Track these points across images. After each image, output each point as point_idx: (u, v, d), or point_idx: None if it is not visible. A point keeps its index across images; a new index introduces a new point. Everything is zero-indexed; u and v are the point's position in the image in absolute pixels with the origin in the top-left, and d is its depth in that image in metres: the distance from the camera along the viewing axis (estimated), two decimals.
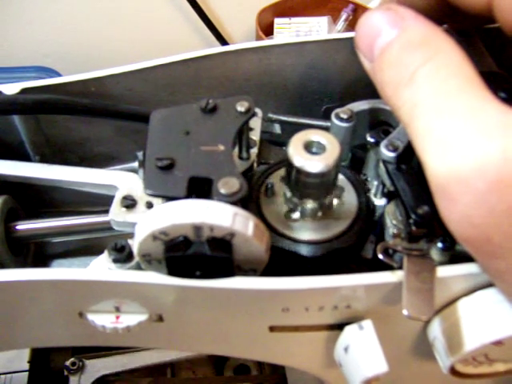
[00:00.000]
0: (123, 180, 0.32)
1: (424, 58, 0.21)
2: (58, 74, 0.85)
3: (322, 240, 0.27)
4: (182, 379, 0.63)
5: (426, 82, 0.21)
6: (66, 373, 0.60)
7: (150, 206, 0.30)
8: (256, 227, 0.23)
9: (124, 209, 0.29)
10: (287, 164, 0.25)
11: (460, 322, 0.26)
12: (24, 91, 0.33)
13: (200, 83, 0.37)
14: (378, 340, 0.26)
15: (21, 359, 0.60)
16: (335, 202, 0.28)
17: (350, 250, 0.28)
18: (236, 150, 0.31)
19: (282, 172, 0.30)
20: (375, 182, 0.30)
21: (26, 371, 0.59)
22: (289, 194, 0.28)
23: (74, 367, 0.61)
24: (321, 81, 0.38)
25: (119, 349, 0.62)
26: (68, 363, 0.61)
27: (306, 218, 0.28)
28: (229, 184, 0.24)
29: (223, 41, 0.93)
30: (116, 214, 0.29)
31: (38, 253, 0.39)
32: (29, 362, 0.60)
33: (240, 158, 0.32)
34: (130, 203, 0.30)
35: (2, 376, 0.59)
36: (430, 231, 0.26)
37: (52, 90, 0.34)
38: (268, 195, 0.29)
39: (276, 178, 0.30)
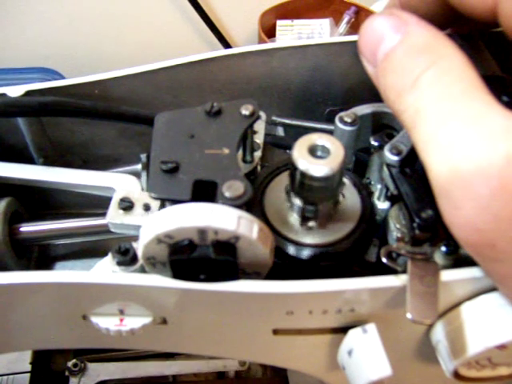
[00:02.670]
0: (120, 182, 0.32)
1: (427, 63, 0.21)
2: (61, 76, 0.85)
3: (326, 243, 0.27)
4: (184, 382, 0.63)
5: (429, 87, 0.21)
6: (67, 373, 0.60)
7: (147, 208, 0.30)
8: (260, 231, 0.23)
9: (121, 211, 0.29)
10: (292, 167, 0.25)
11: (463, 325, 0.26)
12: (28, 93, 0.33)
13: (203, 86, 0.37)
14: (381, 343, 0.26)
15: (22, 360, 0.60)
16: (339, 205, 0.28)
17: (354, 254, 0.28)
18: (240, 153, 0.31)
19: (285, 175, 0.30)
20: (379, 186, 0.30)
21: (27, 372, 0.59)
22: (293, 198, 0.28)
23: (76, 369, 0.61)
24: (324, 84, 0.38)
25: (121, 352, 0.62)
26: (70, 364, 0.61)
27: (309, 221, 0.28)
28: (233, 187, 0.24)
29: (226, 43, 0.93)
30: (113, 216, 0.29)
31: (41, 255, 0.39)
32: (30, 363, 0.60)
33: (244, 161, 0.32)
34: (127, 205, 0.30)
35: (4, 377, 0.59)
36: (433, 235, 0.26)
37: (56, 93, 0.34)
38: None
39: (280, 182, 0.30)
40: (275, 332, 0.28)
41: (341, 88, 0.38)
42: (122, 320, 0.27)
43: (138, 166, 0.32)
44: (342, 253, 0.27)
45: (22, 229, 0.35)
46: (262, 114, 0.34)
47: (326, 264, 0.27)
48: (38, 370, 0.60)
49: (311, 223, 0.28)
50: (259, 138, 0.33)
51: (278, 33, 0.90)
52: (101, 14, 0.89)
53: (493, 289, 0.25)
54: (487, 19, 0.26)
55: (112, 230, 0.30)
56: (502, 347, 0.25)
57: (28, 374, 0.59)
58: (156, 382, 0.63)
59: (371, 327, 0.27)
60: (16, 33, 0.89)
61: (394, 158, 0.27)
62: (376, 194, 0.30)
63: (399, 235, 0.27)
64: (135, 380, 0.61)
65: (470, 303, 0.26)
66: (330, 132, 0.31)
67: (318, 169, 0.24)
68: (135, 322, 0.27)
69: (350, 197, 0.29)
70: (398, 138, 0.28)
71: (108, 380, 0.61)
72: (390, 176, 0.27)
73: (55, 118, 0.35)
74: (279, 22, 0.90)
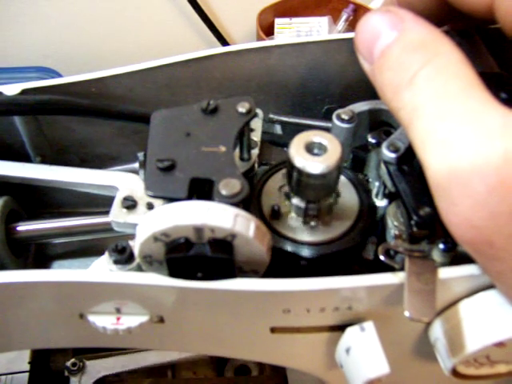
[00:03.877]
0: (123, 181, 0.32)
1: (424, 60, 0.21)
2: (59, 75, 0.85)
3: (323, 241, 0.27)
4: (183, 380, 0.63)
5: (425, 84, 0.21)
6: (66, 373, 0.60)
7: (150, 207, 0.29)
8: (257, 228, 0.23)
9: (125, 210, 0.29)
10: (288, 165, 0.25)
11: (461, 323, 0.25)
12: (25, 92, 0.33)
13: (201, 84, 0.37)
14: (379, 341, 0.26)
15: (21, 360, 0.60)
16: (336, 203, 0.28)
17: (352, 252, 0.28)
18: (237, 150, 0.31)
19: (283, 173, 0.30)
20: (376, 183, 0.30)
21: (26, 372, 0.59)
22: (290, 195, 0.27)
23: (75, 368, 0.60)
24: (322, 81, 0.38)
25: (119, 349, 0.62)
26: (69, 364, 0.61)
27: (307, 219, 0.28)
28: (230, 185, 0.24)
29: (224, 41, 0.93)
30: (116, 215, 0.29)
31: (38, 254, 0.39)
32: (29, 362, 0.60)
33: (241, 158, 0.32)
34: (130, 204, 0.29)
35: (3, 377, 0.59)
36: (431, 232, 0.26)
37: (53, 91, 0.34)
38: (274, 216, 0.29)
39: (277, 179, 0.30)
40: (273, 330, 0.28)
41: (338, 85, 0.38)
42: (118, 319, 0.27)
43: (136, 165, 0.32)
44: (339, 250, 0.27)
45: (18, 228, 0.35)
46: (259, 112, 0.34)
47: (323, 262, 0.27)
48: (36, 369, 0.60)
49: (309, 221, 0.28)
50: (256, 136, 0.33)
51: (276, 31, 0.89)
52: (99, 13, 0.89)
53: (490, 286, 0.25)
54: (484, 16, 0.26)
55: (115, 228, 0.30)
56: (500, 345, 0.25)
57: (27, 374, 0.59)
58: (155, 376, 0.63)
59: (369, 325, 0.27)
60: (15, 32, 0.89)
61: (392, 156, 0.27)
62: (374, 192, 0.30)
63: (397, 233, 0.27)
64: (135, 373, 0.61)
65: (467, 301, 0.26)
66: (328, 129, 0.31)
67: (314, 166, 0.24)
68: (132, 320, 0.27)
69: (347, 194, 0.29)
70: (395, 136, 0.28)
71: (108, 375, 0.61)
72: (388, 173, 0.27)
73: (52, 116, 0.35)
74: (277, 20, 0.90)
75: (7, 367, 0.60)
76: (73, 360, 0.61)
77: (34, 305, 0.27)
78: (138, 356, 0.61)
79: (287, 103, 0.39)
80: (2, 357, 0.61)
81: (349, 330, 0.27)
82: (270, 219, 0.28)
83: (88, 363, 0.61)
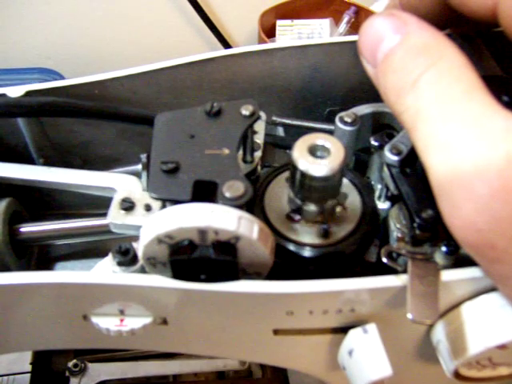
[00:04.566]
0: (122, 182, 0.32)
1: (427, 64, 0.21)
2: (61, 76, 0.85)
3: (327, 243, 0.27)
4: (184, 382, 0.63)
5: (428, 87, 0.21)
6: (67, 374, 0.60)
7: (148, 208, 0.29)
8: (261, 231, 0.23)
9: (122, 211, 0.29)
10: (292, 167, 0.25)
11: (464, 325, 0.26)
12: (28, 94, 0.33)
13: (203, 86, 0.37)
14: (382, 343, 0.26)
15: (23, 361, 0.60)
16: (339, 205, 0.28)
17: (354, 254, 0.28)
18: (240, 153, 0.31)
19: (286, 175, 0.30)
20: (379, 186, 0.30)
21: (28, 373, 0.60)
22: (293, 198, 0.28)
23: (76, 369, 0.61)
24: (324, 84, 0.38)
25: (121, 352, 0.62)
26: (70, 365, 0.61)
27: (310, 221, 0.28)
28: (234, 187, 0.24)
29: (226, 43, 0.93)
30: (114, 216, 0.29)
31: (41, 255, 0.39)
32: (31, 363, 0.60)
33: (244, 161, 0.32)
34: (128, 206, 0.29)
35: (5, 378, 0.59)
36: (433, 235, 0.26)
37: (56, 93, 0.34)
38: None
39: (280, 182, 0.30)
40: (275, 332, 0.28)
41: (341, 88, 0.38)
42: (122, 320, 0.27)
43: (138, 167, 0.32)
44: (342, 253, 0.27)
45: (22, 229, 0.35)
46: (262, 114, 0.34)
47: (326, 264, 0.27)
48: (38, 370, 0.60)
49: (312, 223, 0.28)
50: (259, 138, 0.33)
51: (277, 33, 0.89)
52: (101, 15, 0.89)
53: (493, 289, 0.25)
54: (487, 19, 0.26)
55: (113, 230, 0.30)
56: (502, 347, 0.25)
57: (28, 375, 0.59)
58: (156, 381, 0.63)
59: (372, 327, 0.27)
60: (17, 33, 0.89)
61: (394, 158, 0.27)
62: (376, 194, 0.30)
63: (399, 235, 0.27)
64: (136, 380, 0.61)
65: (470, 303, 0.26)
66: (330, 132, 0.32)
67: (318, 169, 0.24)
68: (135, 322, 0.27)
69: (350, 197, 0.29)
70: (398, 138, 0.28)
71: (108, 380, 0.61)
72: (391, 176, 0.27)
73: (55, 118, 0.35)
74: (279, 22, 0.90)
75: (9, 368, 0.60)
76: (74, 361, 0.61)
77: (36, 306, 0.27)
78: (141, 365, 0.62)
79: (290, 105, 0.39)
80: (3, 358, 0.61)
81: (351, 332, 0.27)
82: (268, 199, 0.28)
83: (89, 365, 0.61)
